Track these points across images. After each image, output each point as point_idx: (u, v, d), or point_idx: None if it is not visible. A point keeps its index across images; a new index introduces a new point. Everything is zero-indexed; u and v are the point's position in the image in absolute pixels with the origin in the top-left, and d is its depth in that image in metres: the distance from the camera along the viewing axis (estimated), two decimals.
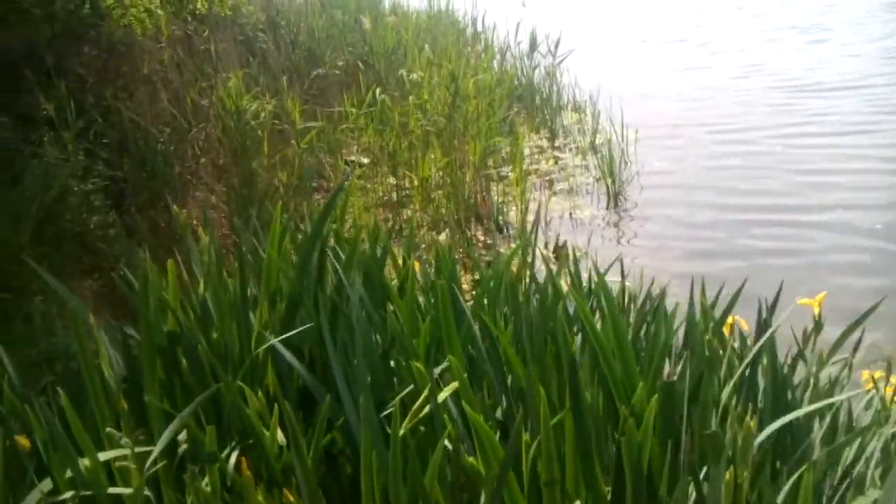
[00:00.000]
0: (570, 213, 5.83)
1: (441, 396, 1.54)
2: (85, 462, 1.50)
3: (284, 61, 7.58)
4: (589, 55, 10.74)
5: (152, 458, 1.47)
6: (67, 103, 4.51)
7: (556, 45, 8.92)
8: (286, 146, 6.06)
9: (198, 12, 5.79)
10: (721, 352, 1.96)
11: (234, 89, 5.64)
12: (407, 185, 6.63)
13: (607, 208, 5.94)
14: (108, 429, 1.51)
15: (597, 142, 7.51)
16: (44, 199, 3.85)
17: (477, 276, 5.00)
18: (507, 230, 5.76)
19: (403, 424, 1.51)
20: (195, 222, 5.31)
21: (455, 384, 1.57)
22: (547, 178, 6.77)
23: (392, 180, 6.73)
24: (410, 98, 6.59)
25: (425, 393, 1.55)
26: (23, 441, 1.65)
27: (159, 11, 5.47)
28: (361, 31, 8.95)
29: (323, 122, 6.90)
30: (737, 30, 13.56)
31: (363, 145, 8.13)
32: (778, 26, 13.30)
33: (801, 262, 4.78)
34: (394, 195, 6.46)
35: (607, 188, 6.14)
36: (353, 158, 7.65)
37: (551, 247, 5.25)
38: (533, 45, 9.14)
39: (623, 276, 2.93)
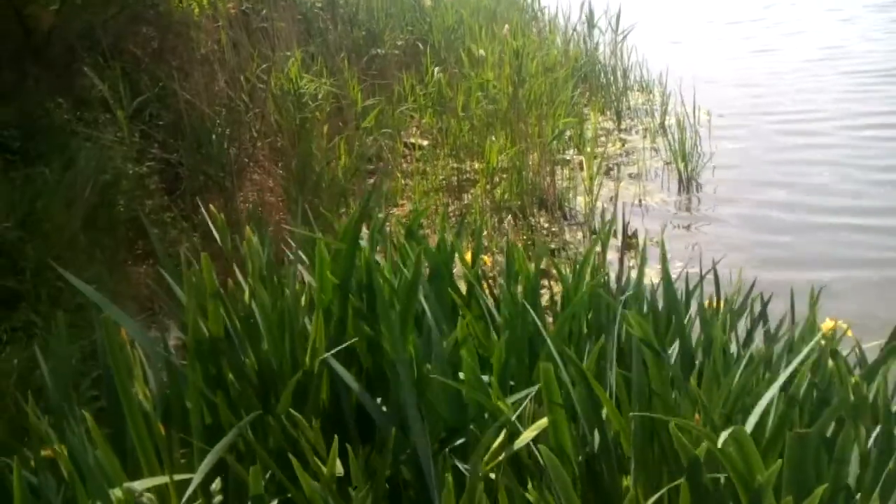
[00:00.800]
0: (640, 200, 5.53)
1: (525, 438, 1.32)
2: (117, 494, 1.33)
3: (343, 40, 7.38)
4: (653, 35, 10.33)
5: (187, 494, 1.29)
6: (122, 84, 4.39)
7: (617, 21, 8.58)
8: (345, 128, 5.89)
9: None
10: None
11: (292, 70, 5.47)
12: (467, 168, 6.41)
13: (678, 193, 5.63)
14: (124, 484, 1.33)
15: (666, 123, 7.19)
16: (97, 182, 3.73)
17: (541, 266, 4.78)
18: (573, 216, 5.50)
19: (483, 462, 1.30)
20: (251, 206, 5.20)
21: (543, 422, 1.35)
22: (614, 161, 6.48)
23: (452, 163, 6.51)
24: (472, 77, 6.36)
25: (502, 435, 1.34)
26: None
27: None
28: (421, 8, 8.70)
29: (382, 103, 6.70)
30: (810, 10, 12.89)
31: (423, 127, 7.93)
32: (855, 6, 12.62)
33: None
34: (454, 179, 6.25)
35: (679, 173, 5.83)
36: (412, 140, 7.45)
37: (620, 235, 4.97)
38: (591, 21, 8.78)
39: (714, 275, 2.60)
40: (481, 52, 6.34)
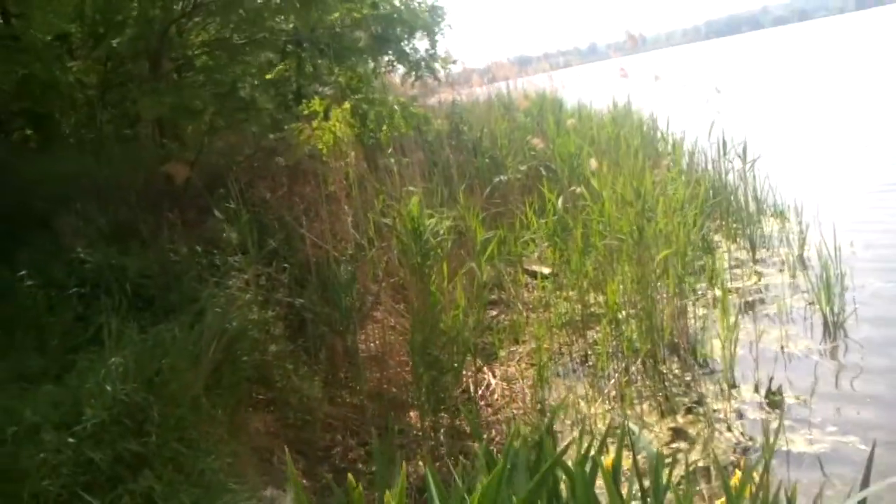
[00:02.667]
0: (782, 347, 5.13)
1: None
2: None
3: (467, 168, 7.42)
4: (784, 160, 9.97)
5: None
6: (250, 231, 4.46)
7: (745, 150, 8.30)
8: (467, 258, 5.81)
9: (381, 130, 5.71)
10: None
11: (414, 208, 5.47)
12: (590, 300, 6.20)
13: (824, 340, 5.19)
14: None
15: (805, 255, 6.78)
16: (223, 337, 3.73)
17: (675, 424, 4.46)
18: (708, 364, 5.15)
19: None
20: (374, 347, 5.13)
21: None
22: (750, 298, 6.11)
23: (575, 296, 6.31)
24: (593, 211, 6.21)
25: None
26: None
27: (345, 133, 5.42)
28: (543, 134, 8.71)
29: (503, 232, 6.63)
30: None
31: (544, 254, 7.79)
32: None
33: None
34: (577, 313, 6.04)
35: (823, 316, 5.40)
36: (534, 268, 7.31)
37: (763, 390, 4.59)
38: (723, 150, 8.53)
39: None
40: (598, 185, 6.18)
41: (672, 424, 4.39)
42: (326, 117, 5.05)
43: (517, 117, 9.37)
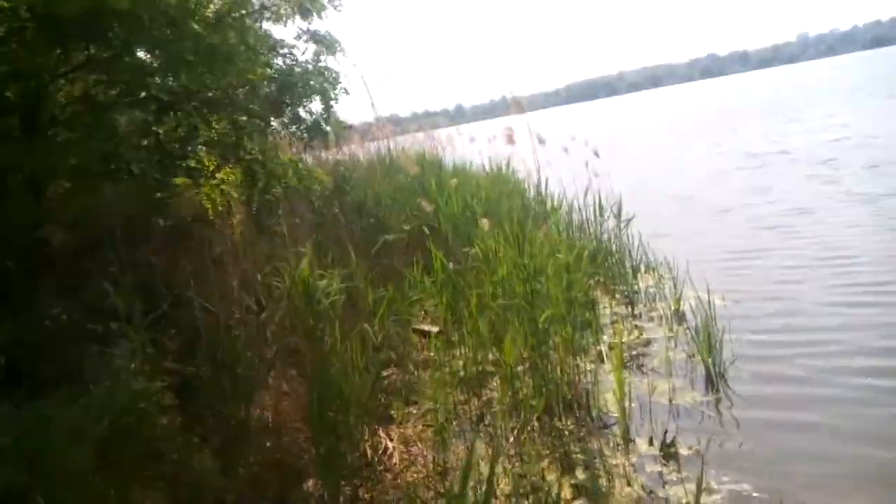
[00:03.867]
0: (670, 399, 5.28)
1: None
2: None
3: (353, 227, 7.37)
4: (652, 218, 10.44)
5: None
6: (135, 296, 4.23)
7: (619, 208, 8.68)
8: (357, 320, 5.71)
9: (271, 190, 5.58)
10: None
11: (304, 270, 5.36)
12: (479, 357, 6.21)
13: (709, 392, 5.39)
14: None
15: (681, 309, 7.07)
16: (109, 412, 3.48)
17: (576, 480, 4.48)
18: (601, 418, 5.23)
19: None
20: (267, 415, 4.92)
21: None
22: (634, 352, 6.29)
23: (467, 353, 6.32)
24: (484, 272, 6.28)
25: None
26: None
27: (232, 191, 5.27)
28: (426, 193, 8.78)
29: (392, 292, 6.57)
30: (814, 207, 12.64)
31: (431, 313, 7.78)
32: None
33: None
34: (467, 370, 6.03)
35: (706, 369, 5.61)
36: (423, 327, 7.28)
37: (657, 443, 4.70)
38: (599, 209, 8.88)
39: None
40: (484, 249, 6.26)
41: (573, 481, 4.41)
42: (214, 175, 4.90)
43: (399, 178, 9.41)
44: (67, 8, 3.58)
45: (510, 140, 5.99)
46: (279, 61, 5.61)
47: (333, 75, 5.34)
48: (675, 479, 4.28)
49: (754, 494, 4.03)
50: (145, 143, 4.70)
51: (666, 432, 4.77)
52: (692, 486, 4.11)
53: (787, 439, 4.59)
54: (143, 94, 4.61)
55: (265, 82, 5.18)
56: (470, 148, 11.61)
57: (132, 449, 3.64)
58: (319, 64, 5.45)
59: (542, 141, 6.09)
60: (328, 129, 5.38)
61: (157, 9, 3.86)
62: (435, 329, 7.41)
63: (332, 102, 5.34)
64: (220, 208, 4.94)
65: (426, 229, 8.62)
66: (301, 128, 5.28)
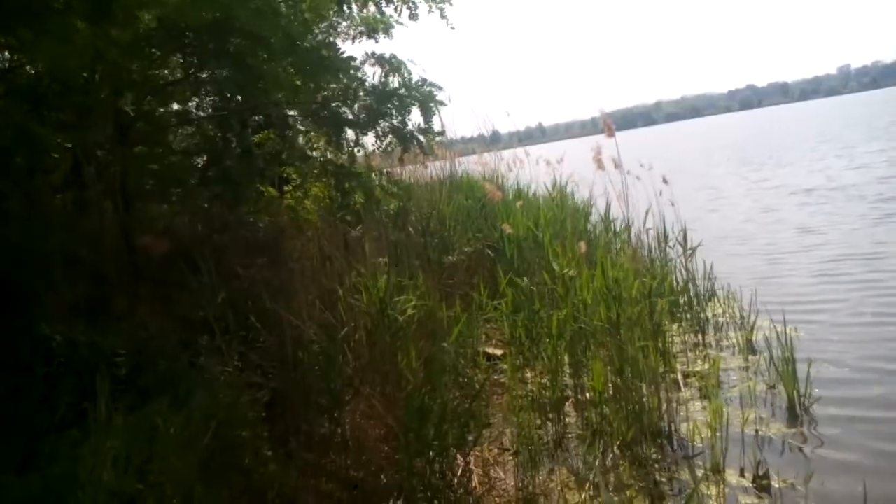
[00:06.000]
0: (757, 430, 5.14)
1: None
2: None
3: (419, 250, 7.33)
4: (716, 246, 10.30)
5: None
6: (227, 309, 4.22)
7: (685, 237, 8.55)
8: (429, 339, 5.66)
9: (357, 203, 5.53)
10: None
11: (382, 286, 5.33)
12: (547, 382, 6.12)
13: (796, 424, 5.22)
14: None
15: (753, 339, 6.92)
16: (210, 423, 3.45)
17: None
18: (683, 447, 5.10)
19: None
20: (347, 432, 4.86)
21: None
22: (709, 382, 6.14)
23: (541, 379, 6.23)
24: (559, 292, 6.20)
25: None
26: None
27: (314, 204, 5.25)
28: (493, 215, 8.74)
29: (459, 312, 6.49)
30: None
31: (495, 335, 7.70)
32: None
33: None
34: (542, 394, 5.94)
35: (789, 399, 5.46)
36: (489, 350, 7.21)
37: (749, 475, 4.55)
38: (664, 239, 8.76)
39: None
40: (566, 271, 6.16)
41: None
42: (300, 187, 4.89)
43: (460, 200, 9.38)
44: (196, 17, 3.62)
45: (599, 164, 5.89)
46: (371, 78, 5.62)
47: (434, 87, 5.33)
48: None
49: None
50: (238, 152, 4.73)
51: (758, 464, 4.61)
52: None
53: (886, 475, 4.43)
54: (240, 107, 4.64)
55: (362, 94, 5.18)
56: (534, 170, 11.57)
57: (233, 460, 3.61)
58: (418, 78, 5.45)
59: (618, 165, 6.00)
60: (423, 139, 5.35)
61: (277, 24, 3.88)
62: (499, 352, 7.34)
63: (434, 111, 5.32)
64: (307, 221, 4.91)
65: (490, 251, 8.59)
66: (396, 138, 5.25)
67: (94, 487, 2.77)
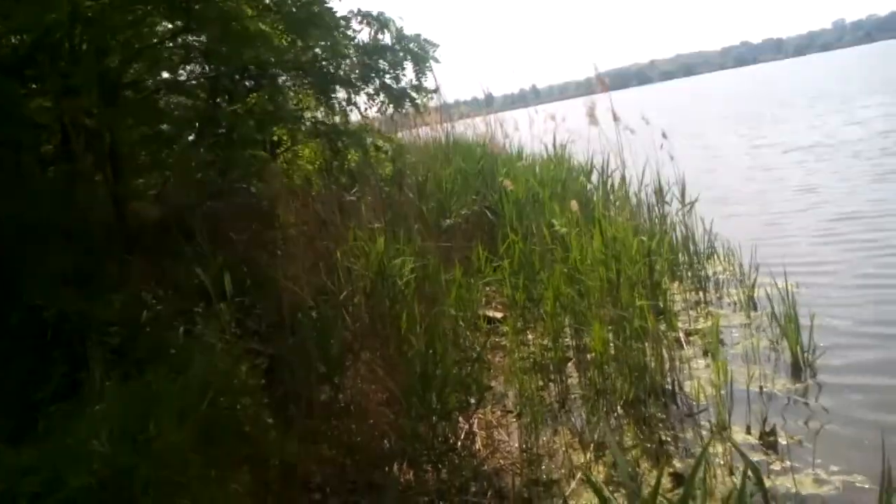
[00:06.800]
0: (761, 387, 5.09)
1: None
2: None
3: (416, 213, 7.23)
4: (714, 202, 10.19)
5: None
6: (222, 276, 4.12)
7: (682, 192, 8.43)
8: (429, 303, 5.59)
9: (348, 166, 5.41)
10: None
11: (380, 248, 5.24)
12: (547, 343, 6.07)
13: (799, 380, 5.18)
14: None
15: (755, 295, 6.85)
16: (206, 391, 3.38)
17: (673, 469, 4.31)
18: (686, 404, 5.05)
19: None
20: (348, 397, 4.80)
21: None
22: (711, 340, 6.08)
23: (538, 338, 6.18)
24: (557, 252, 6.11)
25: None
26: None
27: (308, 166, 5.13)
28: (492, 177, 8.62)
29: (459, 275, 6.40)
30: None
31: (494, 298, 7.64)
32: None
33: None
34: (546, 356, 5.89)
35: (793, 356, 5.40)
36: (489, 313, 7.15)
37: (755, 431, 4.51)
38: (660, 194, 8.63)
39: None
40: (564, 230, 6.06)
41: (670, 470, 4.24)
42: (290, 149, 4.78)
43: (456, 162, 9.26)
44: None
45: (593, 119, 5.77)
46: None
47: (428, 43, 5.17)
48: (779, 468, 4.09)
49: (867, 486, 3.84)
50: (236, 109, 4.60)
51: (764, 420, 4.57)
52: (800, 477, 3.94)
53: (893, 429, 4.37)
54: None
55: (352, 51, 5.03)
56: (529, 132, 11.41)
57: (227, 429, 3.54)
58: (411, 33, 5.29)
59: (616, 118, 5.85)
60: (416, 97, 5.20)
61: None
62: (499, 315, 7.28)
63: (428, 67, 5.17)
64: (298, 184, 4.81)
65: (489, 213, 8.49)
66: (389, 96, 5.09)
67: (88, 458, 2.70)
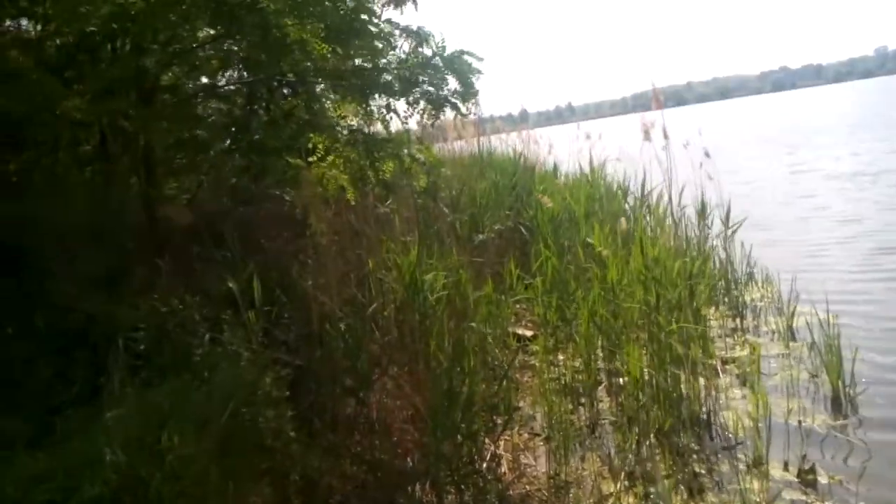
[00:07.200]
0: (800, 422, 4.90)
1: None
2: None
3: (449, 227, 7.13)
4: (764, 223, 9.97)
5: None
6: (251, 283, 4.05)
7: (727, 214, 8.23)
8: (459, 319, 5.46)
9: (383, 176, 5.30)
10: None
11: (412, 261, 5.13)
12: (577, 365, 5.93)
13: (840, 416, 4.98)
14: None
15: (794, 325, 6.64)
16: (231, 402, 3.29)
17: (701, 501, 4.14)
18: (722, 436, 4.88)
19: None
20: (373, 413, 4.69)
21: None
22: (748, 369, 5.89)
23: (569, 360, 6.03)
24: (594, 272, 5.96)
25: None
26: None
27: (343, 175, 5.04)
28: (527, 193, 8.50)
29: (491, 292, 6.27)
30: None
31: (525, 316, 7.50)
32: None
33: None
34: (575, 378, 5.75)
35: (834, 390, 5.21)
36: (519, 331, 7.01)
37: (793, 469, 4.33)
38: (703, 213, 8.43)
39: None
40: (605, 252, 5.90)
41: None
42: (325, 158, 4.70)
43: (490, 176, 9.16)
44: None
45: (647, 136, 5.62)
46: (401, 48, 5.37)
47: (473, 56, 5.08)
48: None
49: None
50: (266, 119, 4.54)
51: (803, 457, 4.38)
52: None
53: None
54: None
55: (395, 64, 4.95)
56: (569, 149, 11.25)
57: (248, 441, 3.45)
58: (454, 49, 5.18)
59: (667, 136, 5.67)
60: (458, 103, 5.08)
61: None
62: (529, 333, 7.14)
63: (472, 82, 5.08)
64: (332, 193, 4.72)
65: (522, 229, 8.37)
66: (430, 101, 4.99)
67: (103, 467, 2.62)
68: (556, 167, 10.94)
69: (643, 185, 9.16)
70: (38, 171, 4.67)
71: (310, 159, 4.78)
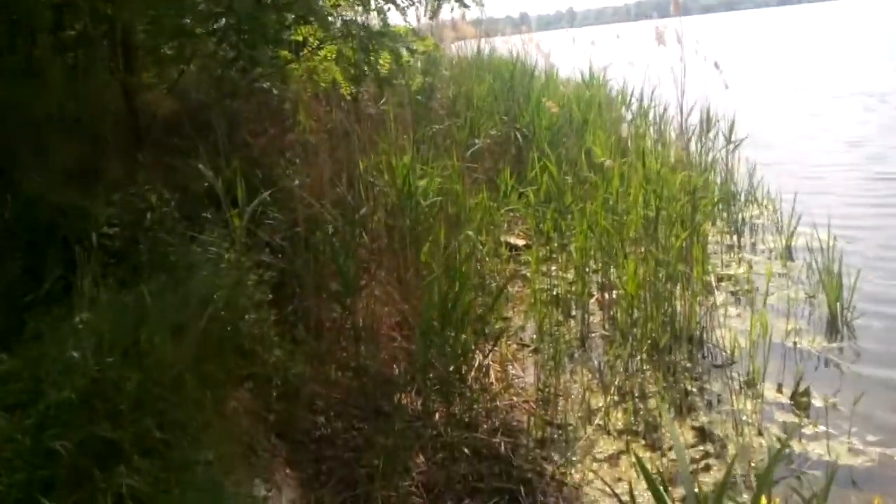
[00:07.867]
0: (795, 343, 4.81)
1: None
2: None
3: (445, 130, 6.86)
4: (767, 141, 9.71)
5: None
6: (238, 181, 3.84)
7: (730, 129, 7.98)
8: (452, 226, 5.29)
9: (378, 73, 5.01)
10: None
11: (407, 164, 4.91)
12: (569, 276, 5.82)
13: (836, 338, 4.89)
14: None
15: (793, 245, 6.49)
16: (210, 307, 3.13)
17: (697, 423, 4.07)
18: (714, 355, 4.79)
19: None
20: (360, 320, 4.55)
21: None
22: (744, 287, 5.78)
23: (566, 274, 5.91)
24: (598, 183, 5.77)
25: None
26: None
27: (335, 69, 4.75)
28: (525, 97, 8.20)
29: (486, 199, 6.07)
30: None
31: (518, 226, 7.34)
32: None
33: None
34: (566, 289, 5.64)
35: (830, 312, 5.10)
36: (511, 240, 6.87)
37: (787, 390, 4.25)
38: (707, 128, 8.18)
39: None
40: (607, 161, 5.69)
41: (694, 423, 4.01)
42: (317, 52, 4.43)
43: (486, 79, 8.83)
44: None
45: (661, 40, 5.30)
46: None
47: None
48: (811, 433, 3.84)
49: None
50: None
51: (800, 380, 4.30)
52: (834, 444, 3.69)
53: None
54: None
55: None
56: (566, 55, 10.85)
57: (228, 346, 3.32)
58: None
59: (680, 41, 5.34)
60: None
61: None
62: (521, 242, 7.00)
63: None
64: (324, 87, 4.46)
65: (518, 135, 8.12)
66: None
67: (73, 371, 2.48)
68: (556, 72, 10.55)
69: (645, 95, 8.85)
70: (14, 55, 4.40)
71: (301, 53, 4.50)
